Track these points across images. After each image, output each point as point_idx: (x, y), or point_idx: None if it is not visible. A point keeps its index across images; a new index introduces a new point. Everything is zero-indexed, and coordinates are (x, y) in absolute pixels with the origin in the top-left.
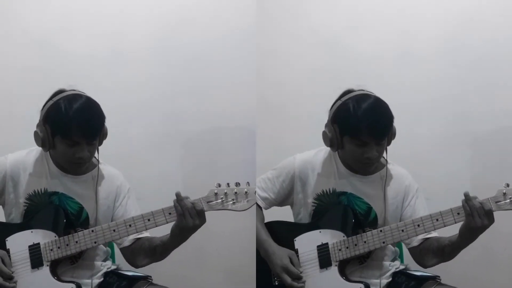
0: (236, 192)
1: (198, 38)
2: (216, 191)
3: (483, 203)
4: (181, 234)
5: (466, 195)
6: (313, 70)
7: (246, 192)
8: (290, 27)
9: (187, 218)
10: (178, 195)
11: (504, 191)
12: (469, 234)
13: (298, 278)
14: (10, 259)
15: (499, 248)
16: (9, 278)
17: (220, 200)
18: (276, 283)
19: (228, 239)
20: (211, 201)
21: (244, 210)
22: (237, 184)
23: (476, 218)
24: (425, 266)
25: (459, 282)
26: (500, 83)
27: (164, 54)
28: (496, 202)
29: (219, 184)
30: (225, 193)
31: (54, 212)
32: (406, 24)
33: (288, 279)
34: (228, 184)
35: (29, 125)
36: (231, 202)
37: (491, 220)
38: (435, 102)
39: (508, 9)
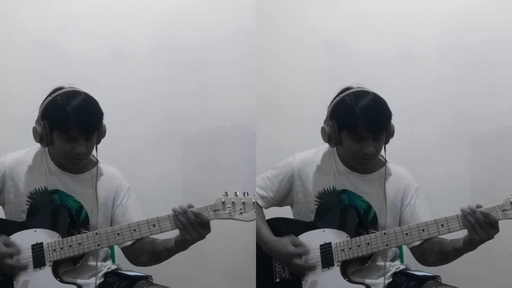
0: (244, 202)
1: (198, 38)
2: (223, 200)
3: (488, 214)
4: (186, 244)
5: (463, 211)
6: (313, 70)
7: (254, 203)
8: (290, 27)
9: (190, 232)
10: (174, 210)
11: (511, 200)
12: (474, 244)
13: (307, 253)
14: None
15: (499, 248)
16: (18, 254)
17: (227, 211)
18: (278, 280)
19: (228, 239)
20: (218, 210)
21: (252, 220)
22: (245, 194)
23: (479, 232)
24: (426, 265)
25: (459, 282)
26: (500, 83)
27: (164, 54)
28: (503, 210)
29: (226, 192)
30: (233, 202)
31: (59, 212)
32: (406, 24)
33: (300, 262)
34: (236, 193)
35: (29, 125)
36: (239, 212)
37: (496, 230)
38: (435, 102)
39: (508, 9)
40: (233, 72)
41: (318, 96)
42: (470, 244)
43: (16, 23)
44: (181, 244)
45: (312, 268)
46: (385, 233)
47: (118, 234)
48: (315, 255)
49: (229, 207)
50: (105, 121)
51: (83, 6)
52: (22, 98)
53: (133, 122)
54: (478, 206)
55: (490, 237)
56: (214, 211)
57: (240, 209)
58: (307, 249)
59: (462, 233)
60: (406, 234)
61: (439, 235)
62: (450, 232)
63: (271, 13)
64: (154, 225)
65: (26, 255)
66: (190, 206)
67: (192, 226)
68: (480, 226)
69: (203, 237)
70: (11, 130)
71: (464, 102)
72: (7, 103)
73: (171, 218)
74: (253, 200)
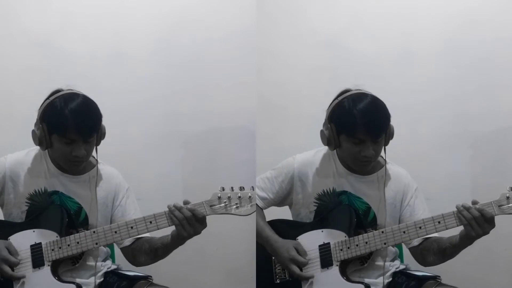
0: (240, 196)
1: (198, 38)
2: (219, 195)
3: (483, 210)
4: (182, 239)
5: (458, 208)
6: (313, 70)
7: (250, 197)
8: (290, 27)
9: (186, 227)
10: (169, 207)
11: (507, 195)
12: (471, 239)
13: (305, 266)
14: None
15: (499, 249)
16: (16, 265)
17: (223, 204)
18: (278, 281)
19: (228, 240)
20: (214, 205)
21: (248, 215)
22: (241, 188)
23: (475, 228)
24: (425, 265)
25: (459, 282)
26: (500, 83)
27: (164, 54)
28: (499, 206)
29: (222, 187)
30: (229, 197)
31: (57, 212)
32: (406, 24)
33: (296, 270)
34: (232, 188)
35: (29, 126)
36: (235, 207)
37: (491, 226)
38: (435, 102)
39: (508, 9)
40: (233, 72)
41: (318, 96)
42: (466, 239)
43: (16, 23)
44: (178, 239)
45: (308, 278)
46: (382, 232)
47: (115, 232)
48: (314, 255)
49: (225, 202)
50: (105, 121)
51: (83, 6)
52: (22, 98)
53: (133, 122)
54: (475, 202)
55: (486, 232)
56: (210, 206)
57: (236, 203)
58: (306, 263)
59: (459, 231)
60: (404, 232)
61: (436, 231)
62: (447, 228)
63: (271, 13)
64: (150, 222)
65: (25, 255)
66: (186, 202)
67: (188, 222)
68: (476, 222)
69: (199, 233)
70: (11, 130)
71: (464, 102)
72: (7, 103)
73: (167, 214)
74: (249, 194)
